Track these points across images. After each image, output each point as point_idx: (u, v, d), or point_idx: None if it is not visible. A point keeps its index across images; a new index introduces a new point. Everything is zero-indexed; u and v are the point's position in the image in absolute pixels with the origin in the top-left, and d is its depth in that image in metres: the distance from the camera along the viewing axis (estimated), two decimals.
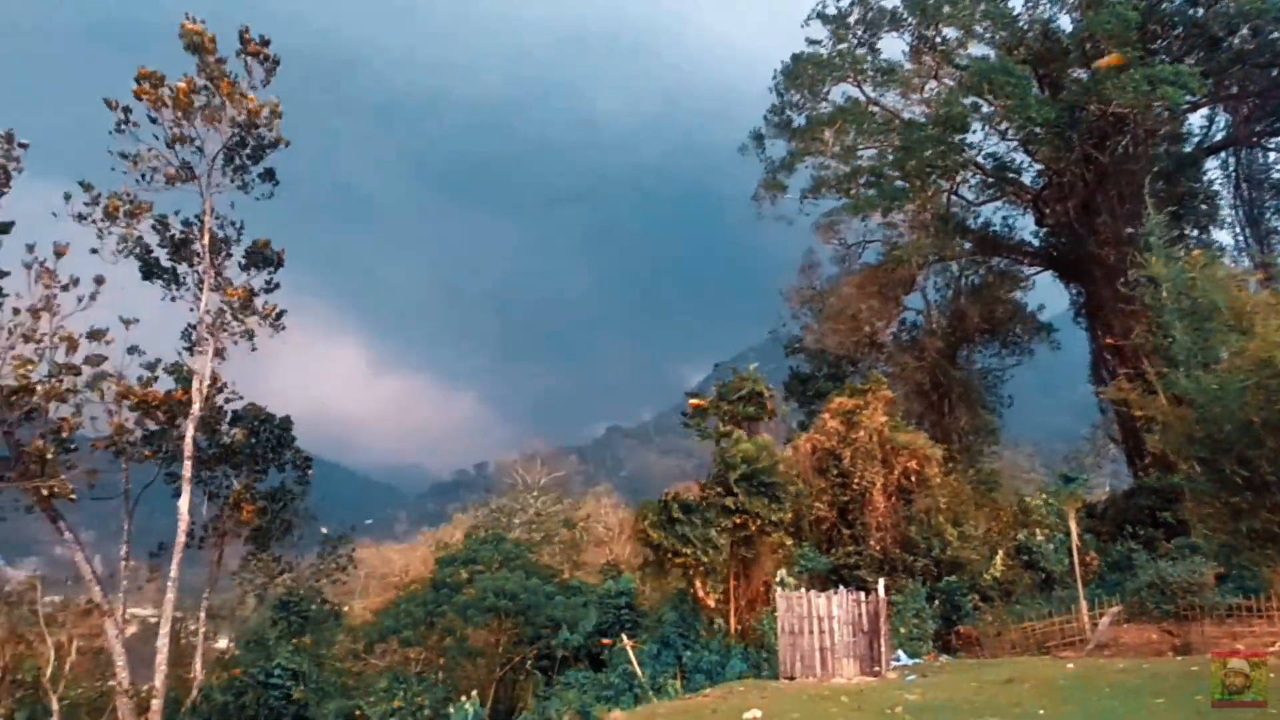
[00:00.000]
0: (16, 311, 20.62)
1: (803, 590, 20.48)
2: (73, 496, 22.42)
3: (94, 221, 23.67)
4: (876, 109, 39.04)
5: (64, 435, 22.80)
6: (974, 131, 36.31)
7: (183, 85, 23.84)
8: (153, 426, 25.75)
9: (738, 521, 28.01)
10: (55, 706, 16.70)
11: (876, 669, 18.98)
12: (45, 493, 21.65)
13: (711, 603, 27.09)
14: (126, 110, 23.94)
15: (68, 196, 23.18)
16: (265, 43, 25.14)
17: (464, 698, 22.17)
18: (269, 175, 26.37)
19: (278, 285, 27.29)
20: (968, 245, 40.64)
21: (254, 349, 26.75)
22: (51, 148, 22.91)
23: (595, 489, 58.78)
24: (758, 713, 14.23)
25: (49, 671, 17.95)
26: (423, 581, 36.01)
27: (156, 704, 21.08)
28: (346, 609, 39.36)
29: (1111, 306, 33.43)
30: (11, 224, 21.17)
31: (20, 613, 22.90)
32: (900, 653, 21.67)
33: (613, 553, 44.70)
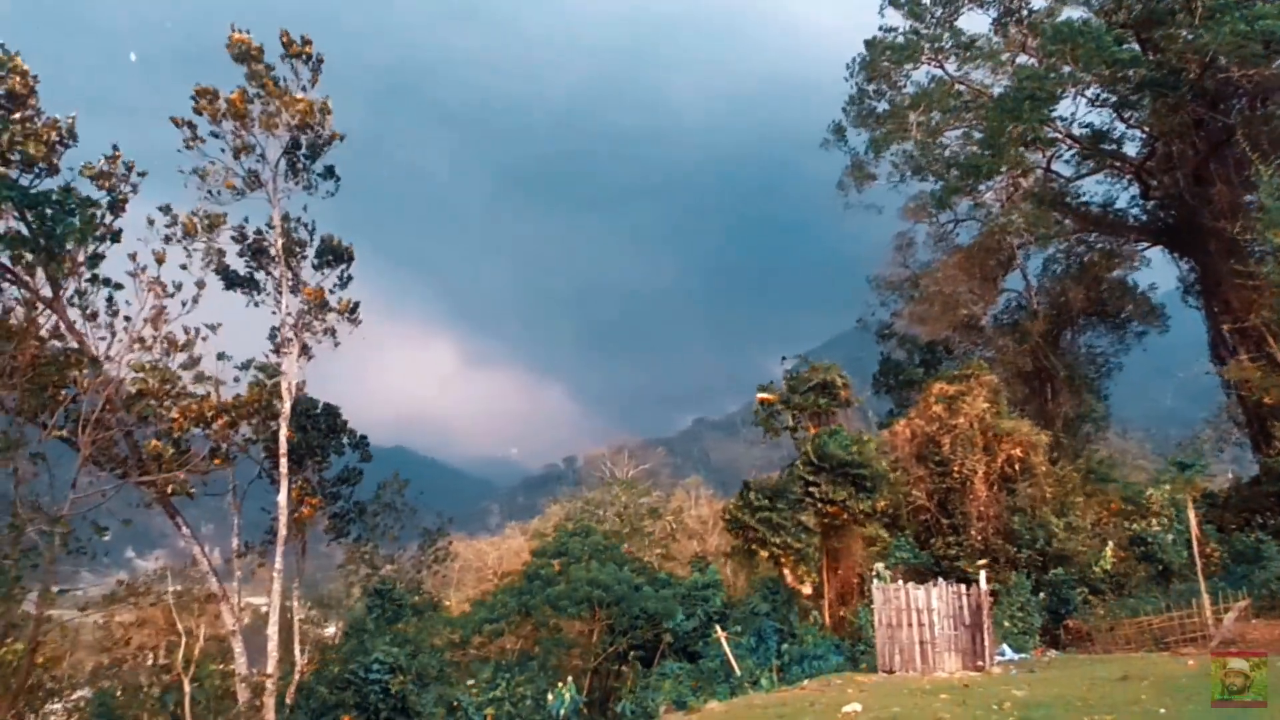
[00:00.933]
0: (128, 319, 21.75)
1: (899, 582, 19.98)
2: (191, 492, 23.84)
3: (178, 241, 24.70)
4: (962, 87, 37.57)
5: (176, 436, 24.12)
6: (1067, 101, 34.46)
7: (235, 95, 24.57)
8: (244, 429, 26.86)
9: (827, 510, 27.59)
10: (188, 689, 17.86)
11: (980, 663, 18.37)
12: (164, 490, 23.03)
13: (807, 591, 26.77)
14: (192, 126, 24.77)
15: (150, 222, 24.17)
16: (306, 43, 25.41)
17: (561, 685, 22.54)
18: (329, 172, 26.83)
19: (350, 279, 27.82)
20: (1067, 222, 38.71)
21: (336, 344, 27.44)
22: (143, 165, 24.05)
23: (686, 481, 58.72)
24: (857, 706, 13.95)
25: (180, 655, 19.23)
26: (517, 573, 36.76)
27: (270, 688, 22.23)
28: (446, 601, 40.64)
29: (1230, 282, 31.27)
30: (120, 231, 22.44)
31: (152, 601, 24.45)
32: (1005, 647, 20.89)
33: (703, 545, 44.66)
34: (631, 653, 27.63)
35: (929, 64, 37.50)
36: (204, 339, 24.02)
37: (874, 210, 41.05)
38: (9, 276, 19.88)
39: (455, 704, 23.48)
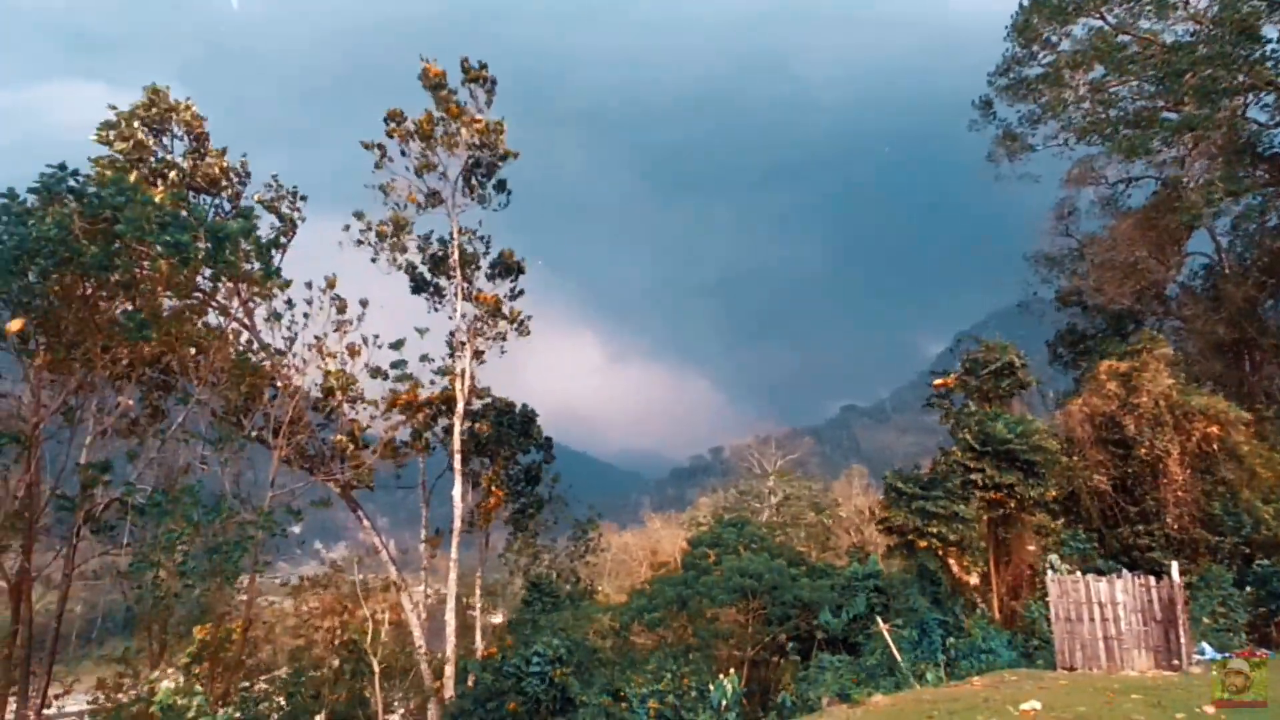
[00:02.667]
0: (317, 337, 24.16)
1: (1078, 574, 18.60)
2: (372, 486, 25.90)
3: (369, 244, 27.19)
4: (1126, 37, 34.31)
5: (356, 434, 26.23)
6: (1266, 41, 30.71)
7: (423, 118, 26.68)
8: (420, 427, 28.80)
9: (992, 498, 26.12)
10: (376, 667, 19.44)
11: (1176, 662, 16.83)
12: (347, 484, 25.13)
13: (973, 583, 25.49)
14: (381, 148, 27.19)
15: (346, 227, 26.81)
16: (483, 67, 27.55)
17: (722, 676, 22.56)
18: (502, 187, 28.87)
19: (522, 292, 29.80)
20: (1260, 173, 34.55)
21: (503, 351, 29.30)
22: (313, 185, 26.52)
23: (848, 470, 57.31)
24: (1036, 704, 13.14)
25: (368, 637, 20.90)
26: (671, 564, 37.19)
27: (449, 670, 23.69)
28: (600, 591, 41.71)
29: None
30: (287, 241, 24.87)
31: (339, 587, 26.76)
32: (1205, 645, 19.01)
33: (861, 535, 43.47)
34: (789, 644, 27.27)
35: (1091, 16, 34.51)
36: (390, 345, 26.20)
37: (1029, 180, 38.29)
38: (202, 295, 22.34)
39: (620, 693, 24.02)
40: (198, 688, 16.23)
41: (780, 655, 27.92)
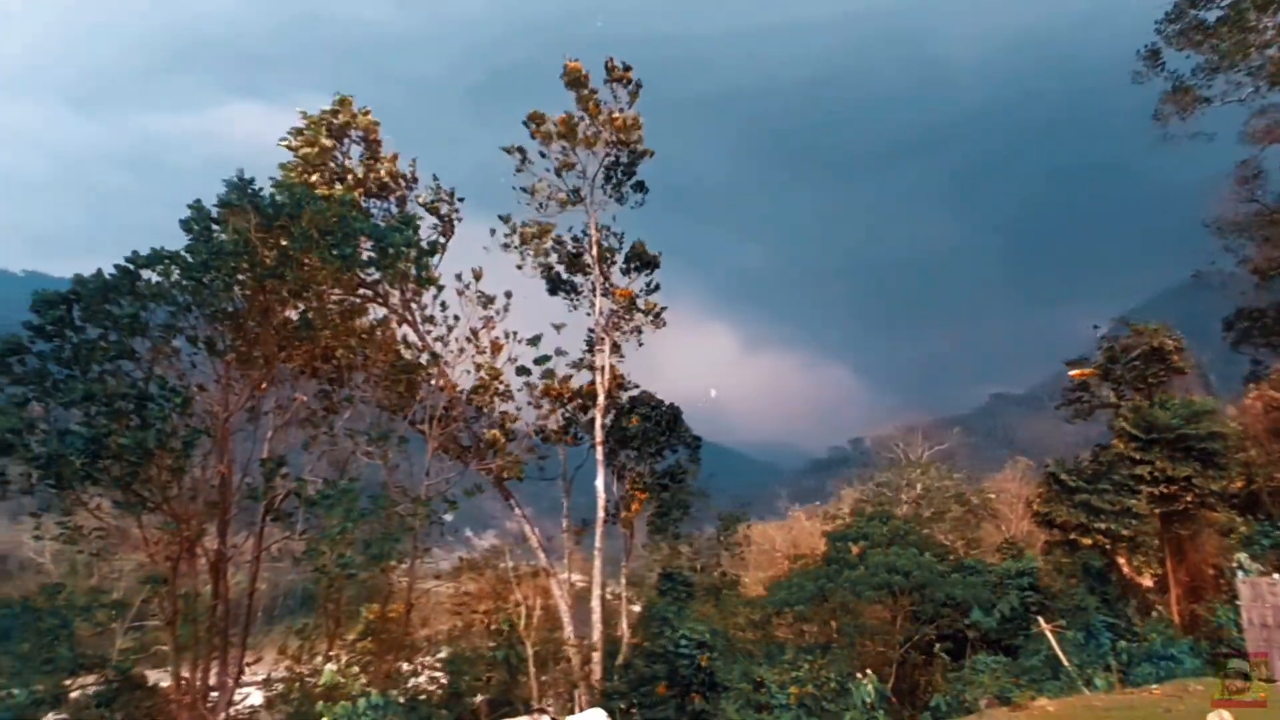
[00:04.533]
0: (472, 332, 25.42)
1: (1275, 575, 16.85)
2: (521, 477, 26.95)
3: (514, 248, 28.31)
4: None
5: (506, 426, 27.36)
6: None
7: (563, 117, 27.39)
8: (566, 417, 29.67)
9: (1165, 491, 24.10)
10: (529, 652, 20.29)
11: None
12: (498, 474, 26.29)
13: (1147, 583, 23.64)
14: (522, 151, 28.16)
15: (493, 231, 28.03)
16: (627, 69, 27.95)
17: (861, 675, 22.03)
18: (640, 186, 29.25)
19: (657, 285, 30.04)
20: None
21: (640, 344, 29.69)
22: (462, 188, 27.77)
23: (1011, 462, 54.39)
24: (1227, 716, 12.02)
25: (520, 623, 21.85)
26: (810, 557, 36.54)
27: (596, 656, 24.39)
28: (743, 584, 41.53)
29: None
30: (442, 243, 26.24)
31: (490, 574, 28.07)
32: None
33: (1012, 530, 41.15)
34: (938, 644, 26.22)
35: None
36: (528, 341, 27.22)
37: (1203, 139, 34.70)
38: (367, 293, 23.94)
39: (760, 680, 23.98)
40: (354, 669, 17.50)
41: (930, 654, 26.87)
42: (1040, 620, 22.17)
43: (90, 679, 19.97)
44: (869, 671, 22.62)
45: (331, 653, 21.86)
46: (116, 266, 17.31)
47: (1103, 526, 24.90)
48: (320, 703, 16.21)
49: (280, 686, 22.37)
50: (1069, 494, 25.89)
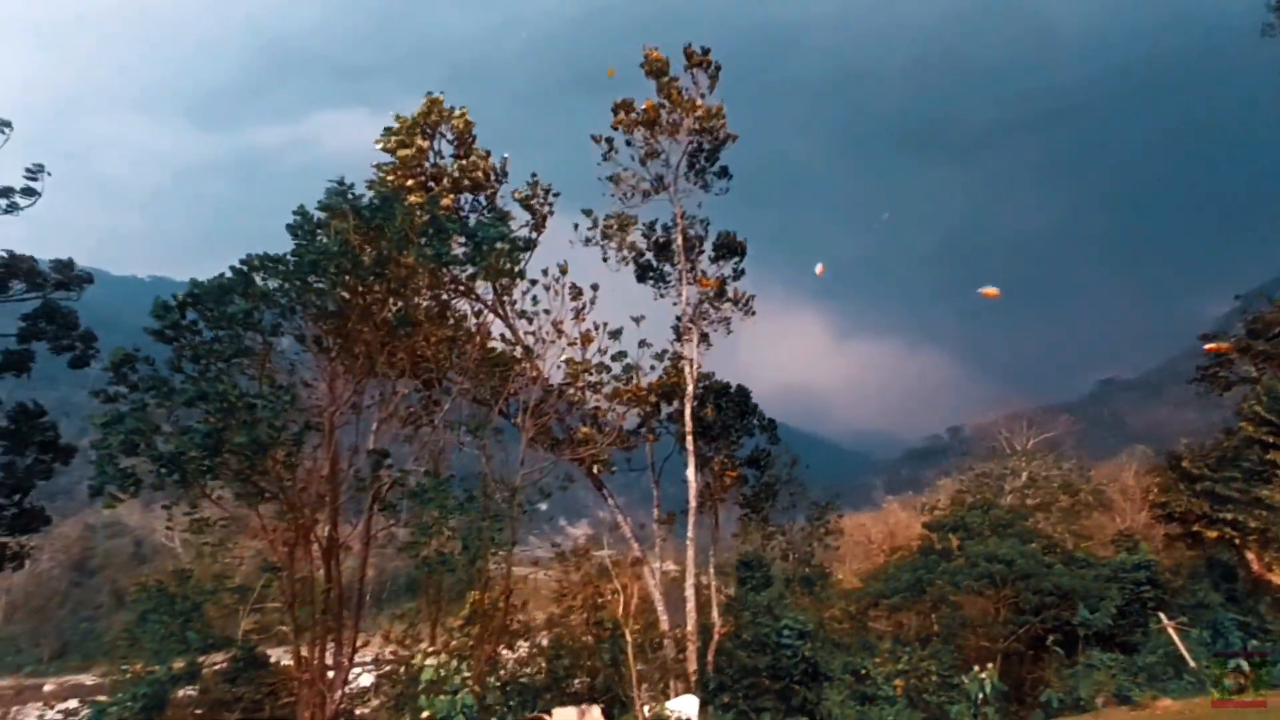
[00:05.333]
0: (556, 324, 25.76)
1: None
2: (613, 469, 27.25)
3: (597, 242, 28.52)
4: None
5: (598, 419, 27.67)
6: None
7: (648, 104, 27.42)
8: (644, 414, 29.65)
9: None
10: (629, 639, 20.55)
11: None
12: (590, 465, 26.65)
13: (1277, 580, 22.09)
14: (609, 141, 28.34)
15: (576, 226, 28.30)
16: (706, 53, 27.77)
17: (977, 669, 21.37)
18: (724, 172, 28.99)
19: (744, 272, 29.67)
20: None
21: (729, 333, 29.35)
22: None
23: (1129, 449, 51.78)
24: None
25: (619, 611, 22.12)
26: (909, 548, 35.70)
27: (691, 647, 24.50)
28: (838, 575, 40.96)
29: None
30: (535, 243, 26.67)
31: (584, 562, 28.44)
32: None
33: (1128, 522, 39.06)
34: (1049, 638, 25.19)
35: None
36: (609, 333, 27.39)
37: None
38: (461, 289, 24.62)
39: (864, 671, 23.63)
40: (454, 662, 18.06)
41: (1037, 649, 25.83)
42: (1162, 616, 21.00)
43: (219, 657, 21.43)
44: (990, 666, 21.91)
45: (434, 641, 22.69)
46: (232, 269, 18.38)
47: (1228, 517, 23.39)
48: (422, 697, 16.86)
49: (387, 669, 23.44)
50: (1191, 482, 24.41)
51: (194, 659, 19.61)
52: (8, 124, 19.63)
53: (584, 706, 14.51)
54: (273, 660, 23.34)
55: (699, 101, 27.73)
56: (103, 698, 20.97)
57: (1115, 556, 27.51)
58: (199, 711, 20.97)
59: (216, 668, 21.60)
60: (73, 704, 28.28)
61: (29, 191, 19.81)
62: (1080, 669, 21.20)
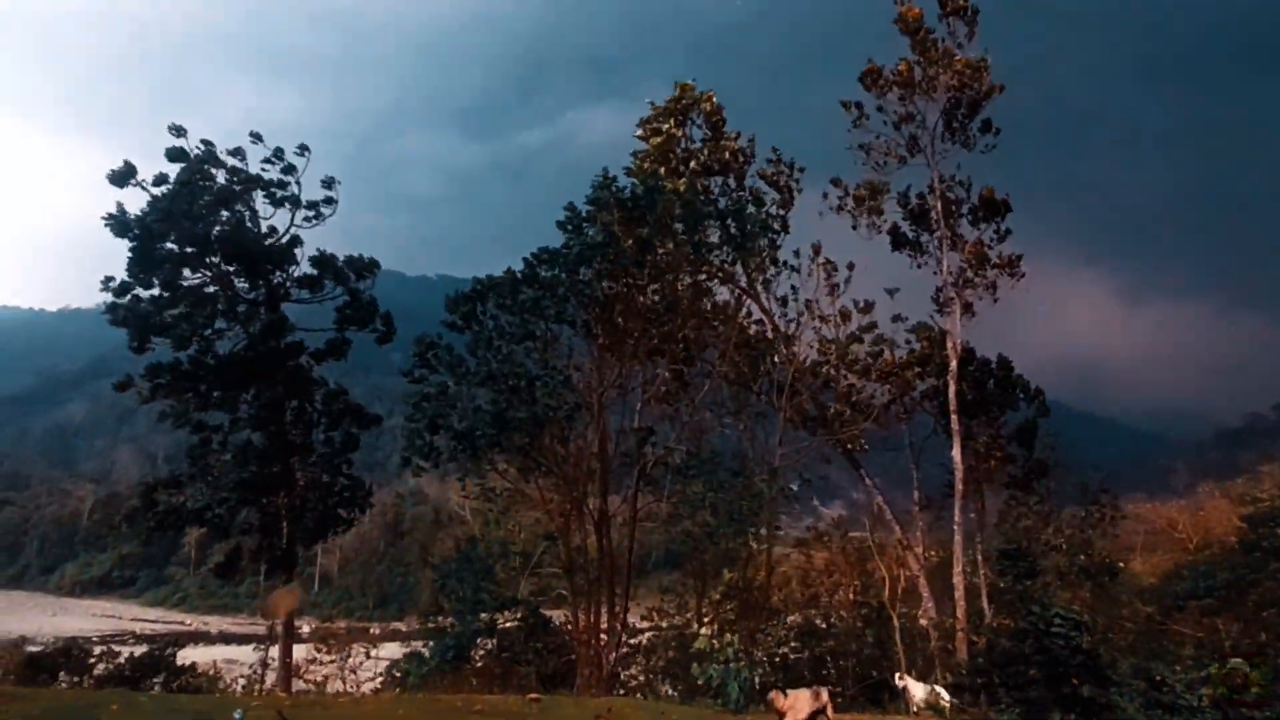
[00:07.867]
0: (807, 302, 25.49)
1: None
2: (865, 448, 26.45)
3: (849, 211, 27.36)
4: None
5: (853, 398, 26.91)
6: None
7: (902, 65, 25.78)
8: (897, 391, 28.12)
9: None
10: (896, 624, 20.03)
11: None
12: (845, 445, 26.08)
13: None
14: (859, 106, 26.95)
15: (825, 195, 27.37)
16: None
17: None
18: (987, 127, 26.43)
19: (1010, 232, 27.01)
20: None
21: (995, 300, 26.90)
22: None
23: None
24: None
25: (886, 595, 21.60)
26: (1221, 542, 31.20)
27: (960, 634, 23.27)
28: (1123, 565, 36.61)
29: None
30: (787, 221, 26.35)
31: (842, 544, 27.93)
32: None
33: None
34: None
35: None
36: (859, 308, 26.46)
37: None
38: (720, 274, 25.07)
39: (1159, 678, 21.01)
40: (728, 636, 18.56)
41: None
42: None
43: (509, 616, 23.85)
44: None
45: (700, 613, 23.58)
46: (524, 261, 20.30)
47: None
48: (695, 665, 17.55)
49: (655, 634, 24.77)
50: None
51: (491, 616, 21.98)
52: (306, 148, 22.80)
53: (816, 688, 14.42)
54: (551, 622, 25.51)
55: (957, 53, 25.62)
56: (416, 643, 24.22)
57: None
58: (501, 658, 23.30)
59: (506, 625, 24.02)
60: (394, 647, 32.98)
61: (329, 201, 22.95)
62: None
